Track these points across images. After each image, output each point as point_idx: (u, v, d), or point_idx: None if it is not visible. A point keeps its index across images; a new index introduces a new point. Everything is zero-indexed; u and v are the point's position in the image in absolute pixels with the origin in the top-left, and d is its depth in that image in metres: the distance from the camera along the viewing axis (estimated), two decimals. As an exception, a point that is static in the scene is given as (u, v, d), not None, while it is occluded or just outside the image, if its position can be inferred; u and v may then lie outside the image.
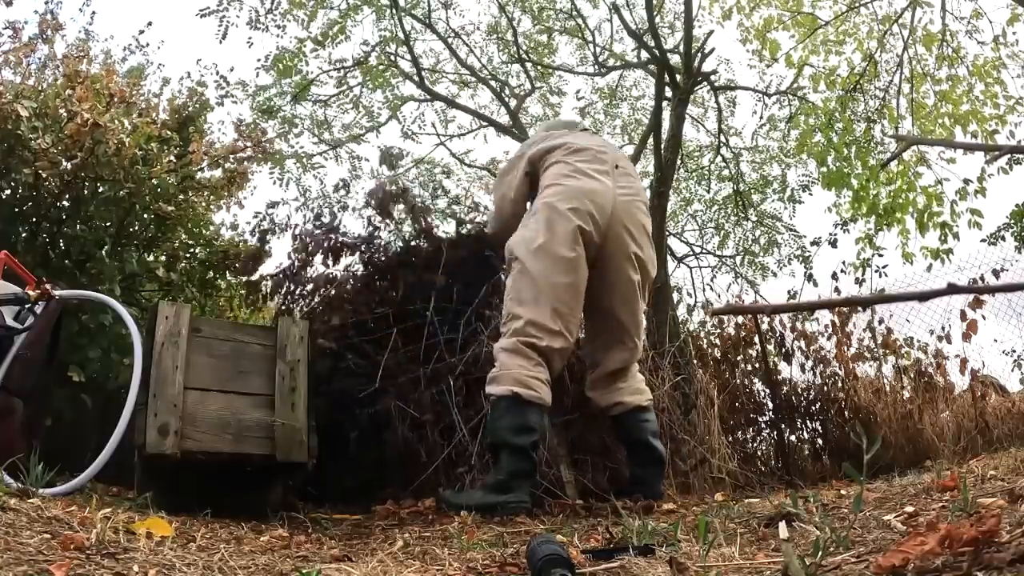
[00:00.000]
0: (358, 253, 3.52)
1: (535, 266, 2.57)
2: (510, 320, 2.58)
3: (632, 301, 2.76)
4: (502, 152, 8.23)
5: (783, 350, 4.13)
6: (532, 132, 6.24)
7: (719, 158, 7.81)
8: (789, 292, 5.14)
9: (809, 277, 6.50)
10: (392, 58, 7.29)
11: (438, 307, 3.11)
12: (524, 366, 2.47)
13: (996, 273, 4.19)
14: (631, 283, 2.74)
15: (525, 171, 2.89)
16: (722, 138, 7.61)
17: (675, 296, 5.49)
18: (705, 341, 4.26)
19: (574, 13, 7.57)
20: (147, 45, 6.16)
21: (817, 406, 4.01)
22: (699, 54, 5.69)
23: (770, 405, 3.93)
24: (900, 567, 0.98)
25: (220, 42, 6.35)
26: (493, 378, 2.53)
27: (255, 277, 4.15)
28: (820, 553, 1.07)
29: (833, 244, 6.92)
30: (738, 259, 8.21)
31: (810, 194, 7.67)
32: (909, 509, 1.54)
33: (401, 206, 3.59)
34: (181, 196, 4.42)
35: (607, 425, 2.93)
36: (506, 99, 7.62)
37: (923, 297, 3.66)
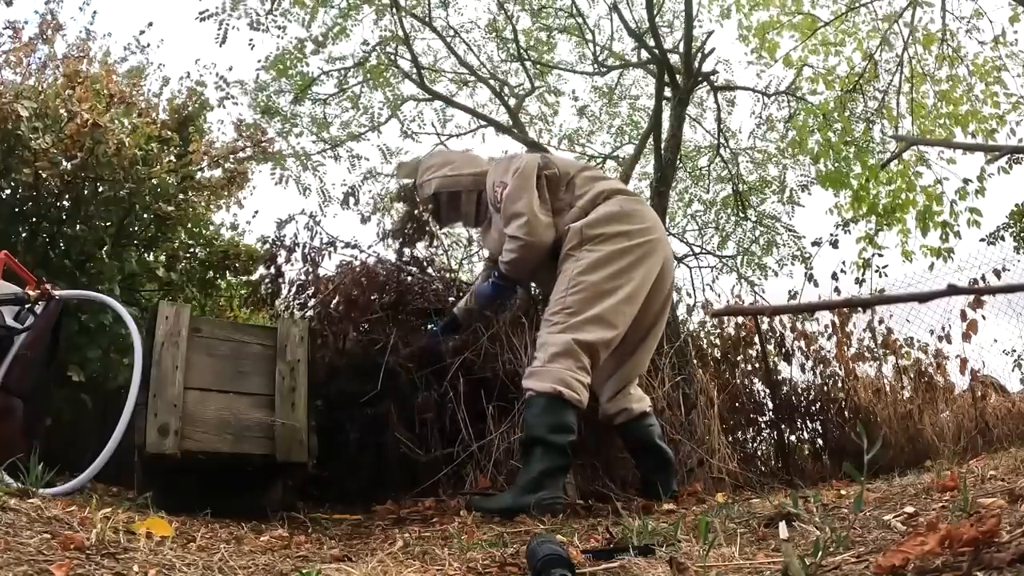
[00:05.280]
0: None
1: (619, 264, 2.57)
2: (571, 315, 2.49)
3: (660, 324, 2.86)
4: (500, 151, 8.25)
5: (783, 350, 4.13)
6: (531, 132, 6.21)
7: (718, 158, 7.81)
8: (789, 292, 5.14)
9: (809, 277, 6.50)
10: (392, 57, 7.29)
11: (439, 309, 3.11)
12: (570, 367, 2.42)
13: (997, 273, 4.19)
14: (665, 309, 2.85)
15: (549, 174, 2.75)
16: (721, 139, 7.62)
17: (675, 296, 5.49)
18: (705, 341, 4.26)
19: (573, 12, 7.57)
20: (147, 45, 6.16)
21: (817, 406, 4.01)
22: (699, 54, 5.70)
23: (770, 405, 3.92)
24: (900, 567, 0.98)
25: (220, 46, 6.36)
26: (535, 373, 2.44)
27: (255, 276, 4.16)
28: (820, 553, 1.07)
29: (834, 245, 6.93)
30: (738, 259, 8.22)
31: (809, 194, 7.68)
32: (909, 509, 1.54)
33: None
34: (181, 196, 4.42)
35: (604, 427, 2.93)
36: (505, 98, 7.62)
37: (923, 298, 3.66)
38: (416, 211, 3.54)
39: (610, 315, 2.51)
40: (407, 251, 3.57)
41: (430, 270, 3.62)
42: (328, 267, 3.65)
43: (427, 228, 3.58)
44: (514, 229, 2.68)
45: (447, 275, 3.65)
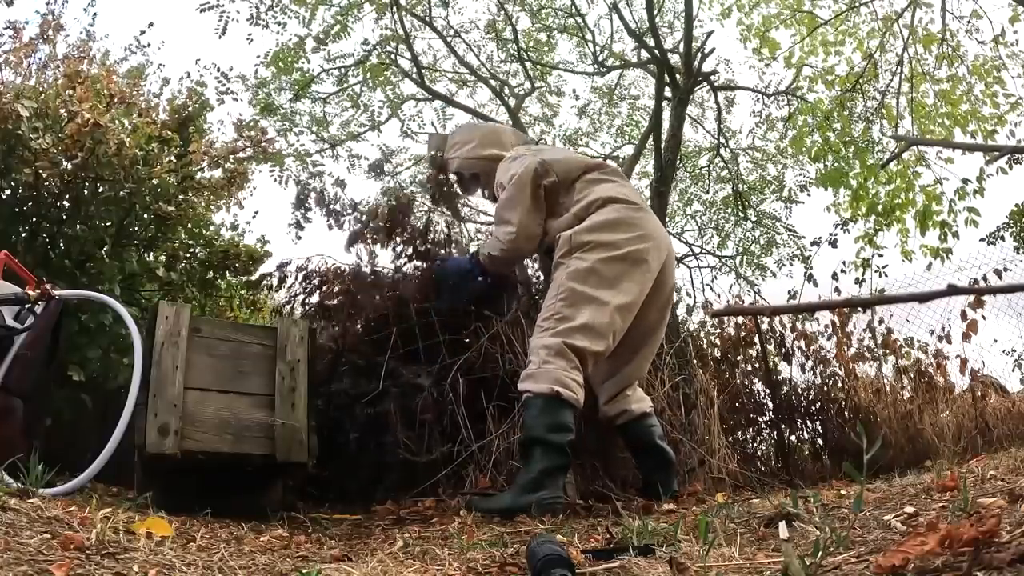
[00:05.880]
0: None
1: (609, 274, 2.57)
2: (561, 320, 2.51)
3: (660, 328, 2.87)
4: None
5: (783, 350, 4.13)
6: (531, 132, 6.20)
7: (718, 158, 7.81)
8: (789, 292, 5.15)
9: (809, 277, 6.51)
10: (392, 57, 7.29)
11: (439, 307, 3.11)
12: (564, 367, 2.44)
13: (998, 273, 4.19)
14: (664, 313, 2.86)
15: (548, 183, 2.76)
16: (721, 139, 7.62)
17: (675, 296, 5.50)
18: (705, 341, 4.26)
19: (573, 12, 7.57)
20: (148, 45, 6.16)
21: (817, 406, 4.01)
22: (699, 54, 5.69)
23: (770, 405, 3.92)
24: (900, 567, 0.98)
25: (220, 37, 6.35)
26: (531, 375, 2.46)
27: (255, 276, 4.21)
28: (820, 553, 1.07)
29: (833, 244, 6.93)
30: (738, 259, 8.22)
31: (808, 194, 7.69)
32: (909, 509, 1.54)
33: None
34: (181, 196, 4.42)
35: (604, 427, 2.93)
36: (506, 98, 7.62)
37: (923, 298, 3.67)
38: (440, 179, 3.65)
39: (600, 327, 2.52)
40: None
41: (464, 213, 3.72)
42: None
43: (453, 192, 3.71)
44: (501, 235, 2.81)
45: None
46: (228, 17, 6.34)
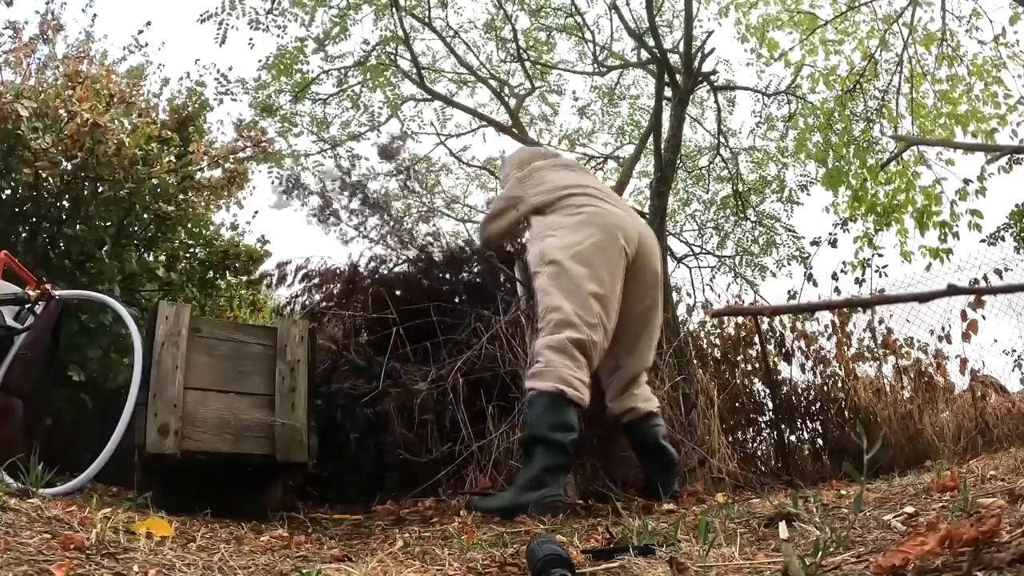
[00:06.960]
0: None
1: (577, 268, 2.61)
2: (551, 312, 2.56)
3: (654, 311, 2.89)
4: (499, 151, 8.29)
5: (783, 350, 4.13)
6: (531, 132, 6.26)
7: (718, 158, 7.81)
8: (789, 292, 5.15)
9: (809, 277, 6.49)
10: (392, 57, 7.29)
11: (439, 307, 3.11)
12: (569, 366, 2.46)
13: (999, 273, 4.18)
14: (655, 295, 2.87)
15: (526, 214, 2.95)
16: (721, 138, 7.61)
17: (675, 296, 5.49)
18: (705, 341, 4.26)
19: (572, 11, 7.56)
20: (147, 45, 6.17)
21: (817, 406, 4.01)
22: (699, 54, 5.69)
23: (770, 405, 3.92)
24: (900, 567, 0.98)
25: (220, 46, 6.37)
26: (536, 373, 2.49)
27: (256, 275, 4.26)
28: (820, 553, 1.07)
29: (833, 244, 6.92)
30: (737, 259, 8.21)
31: (808, 194, 7.68)
32: (909, 509, 1.54)
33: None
34: (181, 196, 4.42)
35: (607, 426, 2.93)
36: (505, 98, 7.62)
37: (923, 298, 3.66)
38: None
39: (589, 316, 2.55)
40: None
41: None
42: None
43: None
44: (486, 216, 3.24)
45: None
46: (227, 26, 6.35)
